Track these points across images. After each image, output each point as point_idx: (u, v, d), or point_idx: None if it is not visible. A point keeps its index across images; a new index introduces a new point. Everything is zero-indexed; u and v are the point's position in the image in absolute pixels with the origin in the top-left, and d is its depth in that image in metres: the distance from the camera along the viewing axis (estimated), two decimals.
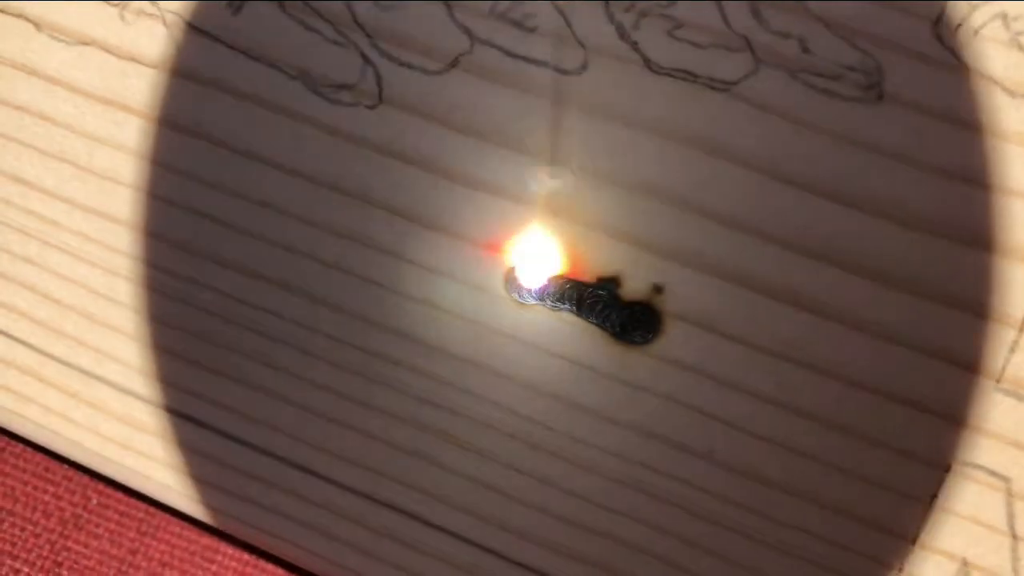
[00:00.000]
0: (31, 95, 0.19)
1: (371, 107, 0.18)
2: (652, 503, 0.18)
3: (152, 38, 0.18)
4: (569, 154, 0.17)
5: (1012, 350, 0.16)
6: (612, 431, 0.18)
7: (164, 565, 0.22)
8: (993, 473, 0.16)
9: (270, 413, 0.19)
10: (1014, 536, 0.16)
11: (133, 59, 0.19)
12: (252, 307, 0.19)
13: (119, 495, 0.23)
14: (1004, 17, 0.16)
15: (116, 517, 0.23)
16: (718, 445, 0.17)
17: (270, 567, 0.22)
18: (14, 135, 0.19)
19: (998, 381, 0.16)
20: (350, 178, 0.18)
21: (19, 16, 0.19)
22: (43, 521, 0.23)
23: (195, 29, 0.18)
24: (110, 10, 0.19)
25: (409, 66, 0.17)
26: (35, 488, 0.23)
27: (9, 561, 0.22)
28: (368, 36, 0.18)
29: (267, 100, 0.18)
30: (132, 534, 0.23)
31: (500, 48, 0.17)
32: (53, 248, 0.19)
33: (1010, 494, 0.16)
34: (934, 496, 0.17)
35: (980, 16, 0.16)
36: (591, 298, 0.17)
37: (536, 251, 0.17)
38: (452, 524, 0.19)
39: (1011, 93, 0.16)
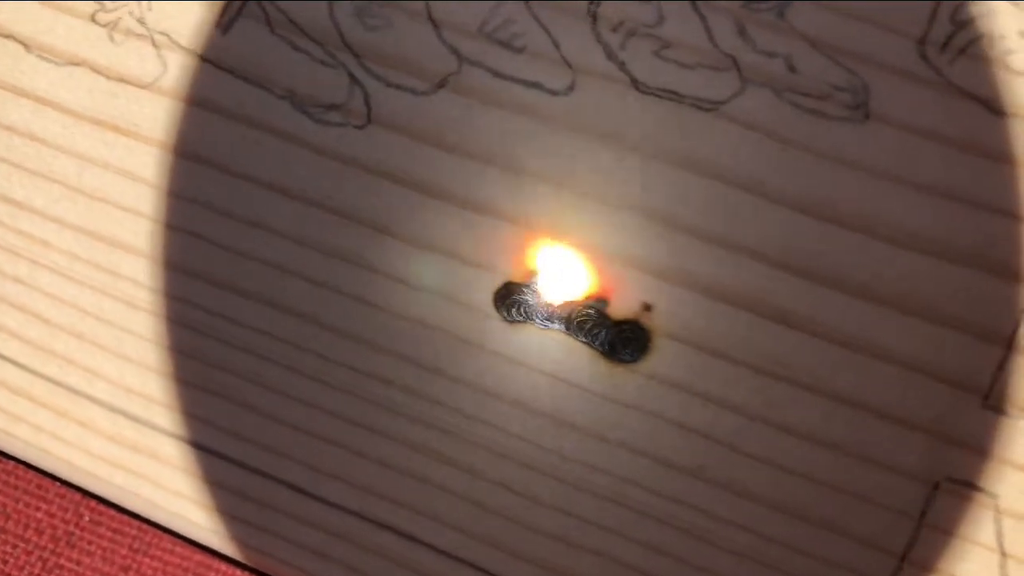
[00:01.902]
0: (20, 115, 0.19)
1: (360, 127, 0.18)
2: (641, 520, 0.18)
3: (141, 58, 0.18)
4: (557, 174, 0.17)
5: (1000, 367, 0.16)
6: (601, 449, 0.18)
7: None
8: (981, 490, 0.16)
9: (260, 432, 0.19)
10: (1003, 553, 0.16)
11: (122, 79, 0.19)
12: (241, 326, 0.19)
13: (111, 512, 0.23)
14: (990, 36, 0.16)
15: (108, 534, 0.23)
16: (706, 462, 0.17)
17: None
18: (3, 155, 0.19)
19: (986, 398, 0.16)
20: (339, 198, 0.18)
21: (8, 37, 0.19)
22: (35, 538, 0.23)
23: (184, 49, 0.18)
24: (99, 31, 0.19)
25: (398, 86, 0.18)
26: (27, 505, 0.23)
27: None
28: (356, 56, 0.18)
29: (255, 120, 0.18)
30: (124, 551, 0.23)
31: (488, 68, 0.17)
32: (43, 268, 0.19)
33: (998, 511, 0.16)
34: (923, 513, 0.17)
35: (966, 35, 0.16)
36: (580, 316, 0.17)
37: (525, 270, 0.18)
38: (443, 542, 0.19)
39: (997, 112, 0.16)
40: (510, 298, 0.18)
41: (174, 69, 0.18)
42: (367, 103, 0.18)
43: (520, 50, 0.17)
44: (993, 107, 0.16)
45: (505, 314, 0.18)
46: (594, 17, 0.17)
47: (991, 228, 0.16)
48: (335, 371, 0.18)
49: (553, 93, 0.17)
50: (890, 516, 0.17)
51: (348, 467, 0.19)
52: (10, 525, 0.23)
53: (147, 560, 0.23)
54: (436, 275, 0.18)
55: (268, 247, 0.18)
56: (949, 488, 0.17)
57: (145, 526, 0.23)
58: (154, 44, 0.18)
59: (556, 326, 0.18)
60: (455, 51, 0.17)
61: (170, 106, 0.18)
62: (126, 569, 0.22)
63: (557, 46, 0.17)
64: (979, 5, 0.16)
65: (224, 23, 0.18)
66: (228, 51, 0.18)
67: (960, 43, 0.16)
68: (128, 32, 0.19)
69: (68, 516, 0.23)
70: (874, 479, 0.17)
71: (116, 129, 0.19)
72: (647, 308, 0.17)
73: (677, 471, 0.17)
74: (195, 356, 0.19)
